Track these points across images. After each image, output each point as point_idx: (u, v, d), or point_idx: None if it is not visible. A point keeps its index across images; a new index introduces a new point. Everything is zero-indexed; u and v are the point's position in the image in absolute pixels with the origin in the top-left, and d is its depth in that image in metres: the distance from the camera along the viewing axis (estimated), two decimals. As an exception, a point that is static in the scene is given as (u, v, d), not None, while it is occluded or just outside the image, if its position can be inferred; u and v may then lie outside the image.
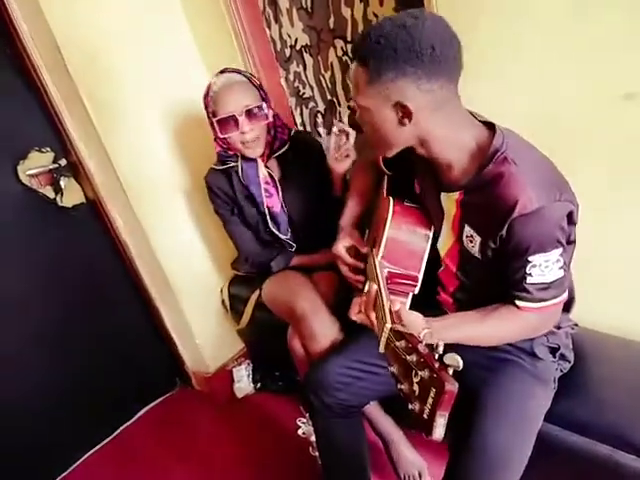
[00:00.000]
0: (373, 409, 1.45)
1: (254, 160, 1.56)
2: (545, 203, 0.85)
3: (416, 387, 0.56)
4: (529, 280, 0.92)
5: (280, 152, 1.60)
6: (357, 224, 1.30)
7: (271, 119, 1.52)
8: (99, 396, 2.05)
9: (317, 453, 1.41)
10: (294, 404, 1.93)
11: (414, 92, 0.85)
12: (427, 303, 1.20)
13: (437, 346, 0.58)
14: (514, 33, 1.15)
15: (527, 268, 0.91)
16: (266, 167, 1.59)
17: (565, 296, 0.97)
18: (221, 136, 1.49)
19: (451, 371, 0.55)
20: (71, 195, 1.89)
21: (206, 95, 1.49)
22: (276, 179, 1.61)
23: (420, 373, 0.56)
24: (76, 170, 1.87)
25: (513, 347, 1.08)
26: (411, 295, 1.11)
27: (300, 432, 1.81)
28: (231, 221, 1.69)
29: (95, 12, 1.63)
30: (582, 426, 1.10)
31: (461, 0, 1.18)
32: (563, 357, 1.13)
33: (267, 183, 1.60)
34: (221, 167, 1.62)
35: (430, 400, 0.53)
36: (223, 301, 2.02)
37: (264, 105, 1.49)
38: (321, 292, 1.56)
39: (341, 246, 1.24)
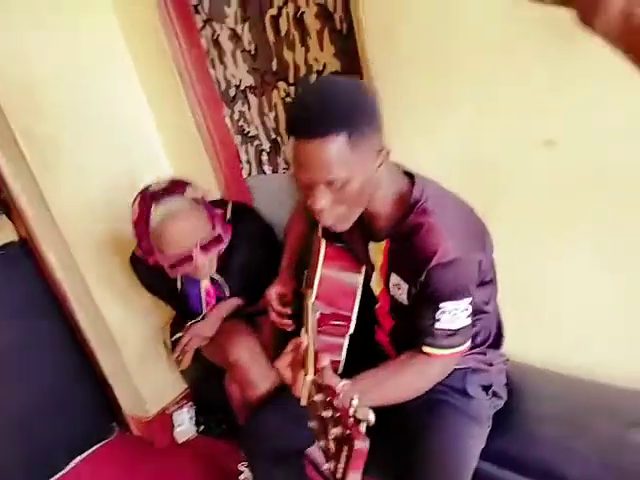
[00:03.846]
0: (316, 451, 1.42)
1: None
2: (462, 254, 0.89)
3: (331, 445, 0.55)
4: (437, 325, 0.94)
5: None
6: (294, 267, 1.31)
7: (225, 237, 1.36)
8: (25, 447, 1.91)
9: (258, 501, 1.36)
10: (237, 448, 1.87)
11: (382, 136, 0.90)
12: (366, 344, 1.21)
13: (352, 399, 0.58)
14: (444, 85, 1.20)
15: (437, 314, 0.93)
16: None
17: (467, 345, 1.00)
18: (172, 275, 1.33)
19: (363, 427, 0.55)
20: (2, 233, 1.81)
21: (139, 225, 1.28)
22: (221, 285, 1.53)
23: (334, 430, 0.55)
24: (7, 207, 1.79)
25: (446, 387, 1.09)
26: (348, 336, 1.12)
27: (242, 477, 1.74)
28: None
29: (32, 47, 1.59)
30: (515, 463, 1.12)
31: (394, 54, 1.23)
32: (496, 395, 1.15)
33: (208, 295, 1.56)
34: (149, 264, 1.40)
35: (343, 459, 0.52)
36: (164, 341, 1.95)
37: (218, 229, 1.33)
38: (263, 336, 1.53)
39: (273, 291, 1.24)
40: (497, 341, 1.17)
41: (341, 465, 0.52)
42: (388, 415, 0.62)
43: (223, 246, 1.37)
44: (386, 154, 0.90)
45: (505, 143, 1.18)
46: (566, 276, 1.24)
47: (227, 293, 1.55)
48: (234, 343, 1.45)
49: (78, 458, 2.08)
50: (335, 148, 0.82)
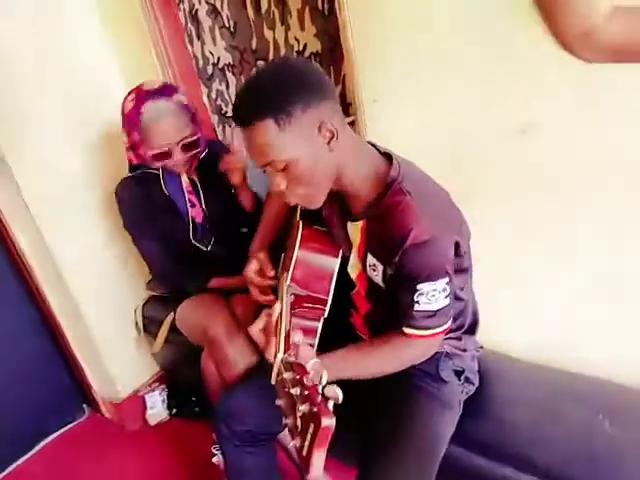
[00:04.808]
0: (288, 436, 1.42)
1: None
2: (436, 234, 0.89)
3: (299, 422, 0.54)
4: (416, 307, 0.94)
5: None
6: (268, 248, 1.29)
7: (202, 143, 1.49)
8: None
9: (229, 482, 1.35)
10: (210, 430, 1.85)
11: (323, 111, 0.87)
12: (340, 325, 1.21)
13: (321, 377, 0.57)
14: (426, 68, 1.19)
15: (415, 296, 0.93)
16: (188, 175, 1.56)
17: (449, 325, 1.00)
18: (154, 166, 1.48)
19: (331, 404, 0.54)
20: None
21: (131, 119, 1.41)
22: (199, 186, 1.58)
23: (302, 407, 0.54)
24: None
25: (419, 371, 1.10)
26: (322, 319, 1.11)
27: (215, 460, 1.73)
28: (143, 236, 1.59)
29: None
30: (485, 448, 1.13)
31: (377, 34, 1.22)
32: (468, 380, 1.16)
33: (190, 192, 1.57)
34: (138, 173, 1.54)
35: (309, 436, 0.51)
36: (137, 323, 1.92)
37: (199, 136, 1.46)
38: (239, 315, 1.51)
39: (250, 270, 1.24)
40: (472, 327, 1.18)
41: (306, 443, 0.51)
42: (358, 396, 0.61)
43: (199, 150, 1.51)
44: (332, 128, 0.87)
45: (485, 130, 1.18)
46: (540, 266, 1.25)
47: (202, 197, 1.60)
48: (215, 320, 1.44)
49: (47, 439, 2.04)
50: (261, 133, 0.85)
